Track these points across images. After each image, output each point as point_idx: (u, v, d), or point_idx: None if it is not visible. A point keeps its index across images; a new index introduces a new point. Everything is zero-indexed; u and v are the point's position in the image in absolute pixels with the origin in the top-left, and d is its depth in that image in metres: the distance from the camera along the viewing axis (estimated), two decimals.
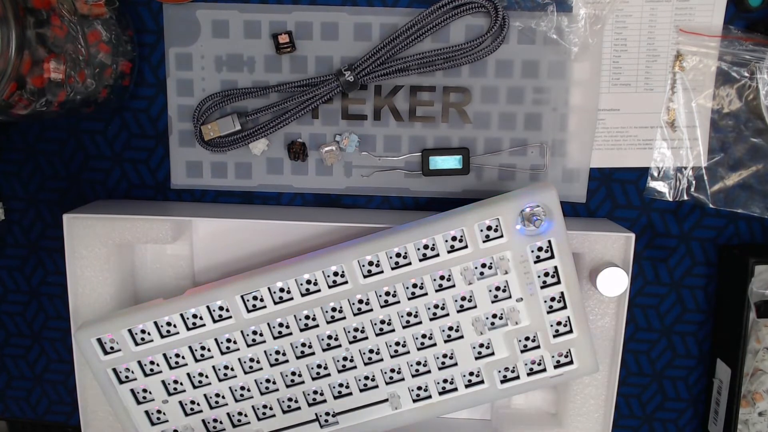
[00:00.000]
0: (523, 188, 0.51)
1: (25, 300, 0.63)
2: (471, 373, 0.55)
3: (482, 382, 0.54)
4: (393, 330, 0.54)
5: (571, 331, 0.53)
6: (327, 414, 0.56)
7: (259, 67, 0.57)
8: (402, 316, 0.53)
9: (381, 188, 0.60)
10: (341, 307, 0.53)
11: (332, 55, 0.57)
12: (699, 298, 0.60)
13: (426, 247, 0.52)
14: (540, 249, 0.52)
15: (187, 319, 0.53)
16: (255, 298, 0.53)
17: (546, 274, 0.52)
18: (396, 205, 0.60)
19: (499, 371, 0.54)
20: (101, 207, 0.57)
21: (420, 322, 0.53)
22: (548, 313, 0.53)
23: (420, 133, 0.58)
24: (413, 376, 0.55)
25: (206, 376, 0.55)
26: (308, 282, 0.52)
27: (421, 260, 0.52)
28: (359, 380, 0.55)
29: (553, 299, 0.53)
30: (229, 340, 0.54)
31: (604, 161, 0.58)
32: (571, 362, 0.54)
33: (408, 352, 0.54)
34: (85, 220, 0.55)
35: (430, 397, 0.55)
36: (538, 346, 0.54)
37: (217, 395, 0.56)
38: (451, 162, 0.58)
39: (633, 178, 0.59)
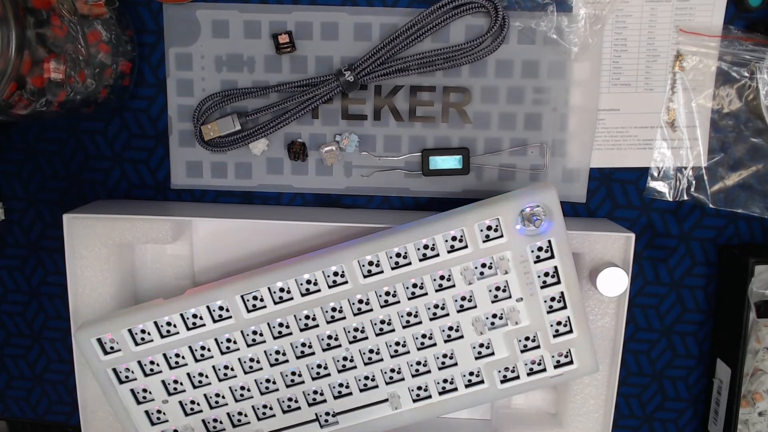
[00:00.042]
0: (523, 188, 0.51)
1: (25, 300, 0.63)
2: (471, 373, 0.55)
3: (482, 382, 0.54)
4: (393, 330, 0.54)
5: (571, 331, 0.53)
6: (327, 414, 0.56)
7: (259, 67, 0.57)
8: (402, 316, 0.53)
9: (381, 188, 0.60)
10: (341, 307, 0.53)
11: (332, 55, 0.57)
12: (699, 298, 0.60)
13: (426, 247, 0.52)
14: (540, 249, 0.52)
15: (187, 319, 0.53)
16: (255, 298, 0.53)
17: (546, 274, 0.52)
18: (396, 205, 0.60)
19: (499, 371, 0.54)
20: (101, 207, 0.57)
21: (420, 322, 0.53)
22: (548, 313, 0.53)
23: (420, 133, 0.58)
24: (413, 376, 0.55)
25: (206, 376, 0.55)
26: (308, 282, 0.52)
27: (421, 260, 0.52)
28: (359, 380, 0.55)
29: (553, 299, 0.53)
30: (229, 340, 0.54)
31: (604, 161, 0.58)
32: (571, 362, 0.54)
33: (408, 352, 0.54)
34: (85, 220, 0.55)
35: (430, 397, 0.55)
36: (538, 346, 0.54)
37: (217, 395, 0.56)
38: (451, 162, 0.58)
39: (633, 178, 0.59)
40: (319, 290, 0.52)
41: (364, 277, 0.52)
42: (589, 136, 0.58)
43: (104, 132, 0.60)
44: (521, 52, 0.56)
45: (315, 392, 0.55)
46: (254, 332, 0.54)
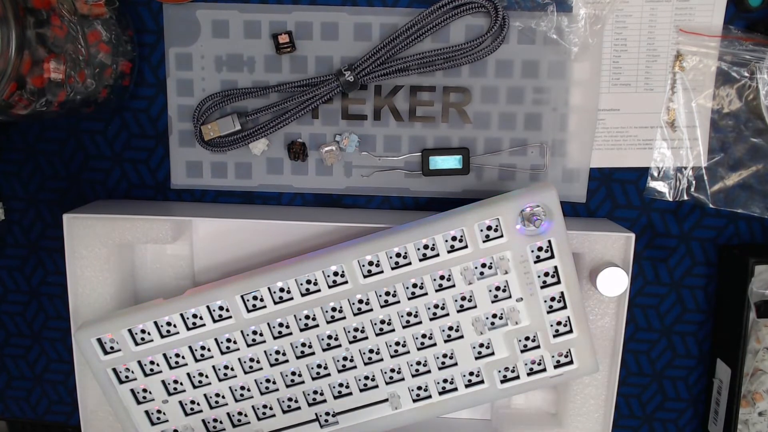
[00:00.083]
0: (523, 188, 0.51)
1: (25, 300, 0.63)
2: (471, 373, 0.55)
3: (482, 382, 0.54)
4: (393, 330, 0.54)
5: (571, 331, 0.53)
6: (327, 414, 0.56)
7: (259, 67, 0.57)
8: (402, 316, 0.53)
9: (381, 188, 0.60)
10: (341, 307, 0.53)
11: (332, 55, 0.57)
12: (699, 298, 0.60)
13: (426, 247, 0.52)
14: (540, 249, 0.52)
15: (187, 319, 0.53)
16: (255, 298, 0.53)
17: (546, 274, 0.52)
18: (396, 205, 0.60)
19: (499, 371, 0.54)
20: (101, 207, 0.57)
21: (420, 322, 0.53)
22: (548, 313, 0.53)
23: (420, 133, 0.58)
24: (413, 376, 0.55)
25: (206, 376, 0.55)
26: (308, 282, 0.52)
27: (421, 260, 0.52)
28: (359, 380, 0.55)
29: (553, 299, 0.53)
30: (229, 340, 0.54)
31: (604, 161, 0.58)
32: (571, 362, 0.54)
33: (408, 352, 0.54)
34: (85, 220, 0.55)
35: (430, 397, 0.55)
36: (538, 346, 0.54)
37: (217, 395, 0.56)
38: (451, 162, 0.58)
39: (633, 178, 0.59)
40: (319, 290, 0.52)
41: (364, 277, 0.52)
42: (589, 136, 0.58)
43: (104, 132, 0.60)
44: (521, 52, 0.56)
45: (315, 392, 0.55)
46: (254, 332, 0.54)
